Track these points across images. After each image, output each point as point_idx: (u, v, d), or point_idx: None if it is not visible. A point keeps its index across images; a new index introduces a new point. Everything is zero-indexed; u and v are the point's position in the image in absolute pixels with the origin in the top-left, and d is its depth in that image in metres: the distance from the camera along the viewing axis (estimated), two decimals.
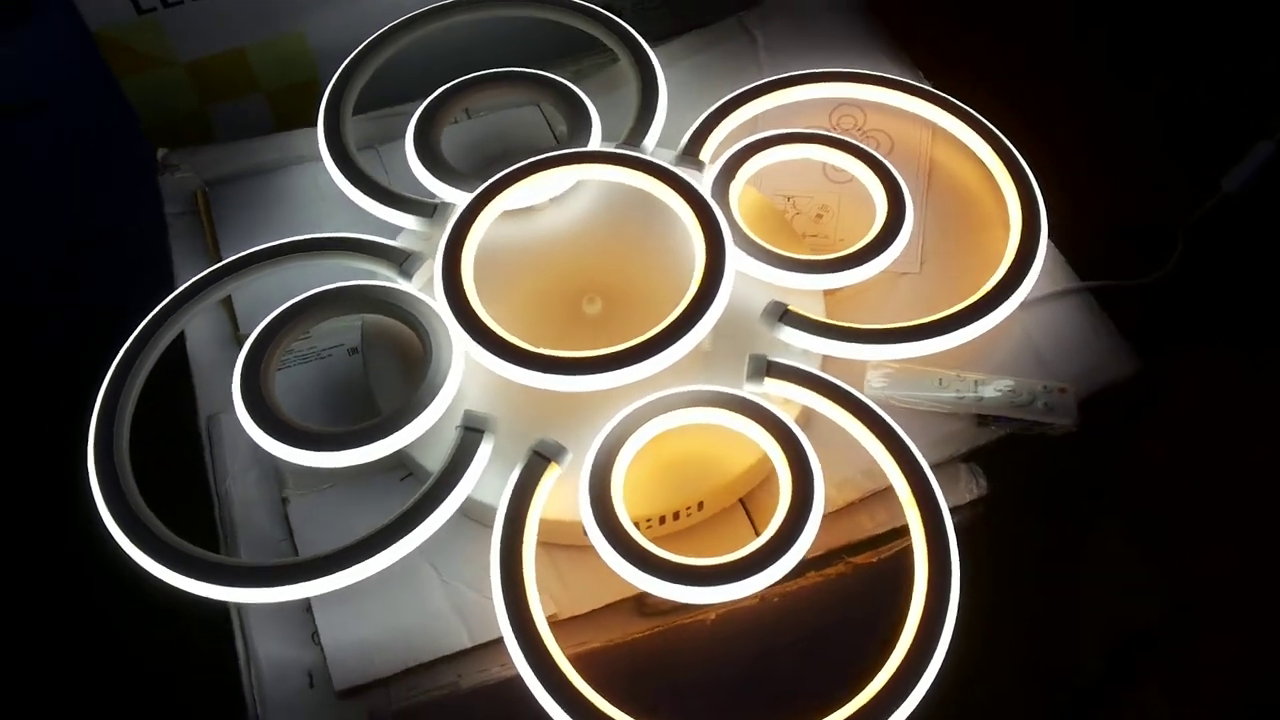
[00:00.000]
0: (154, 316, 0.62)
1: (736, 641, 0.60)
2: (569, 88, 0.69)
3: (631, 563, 0.52)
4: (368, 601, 0.56)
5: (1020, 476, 0.65)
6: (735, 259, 0.60)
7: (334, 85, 0.71)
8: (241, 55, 0.81)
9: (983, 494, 0.60)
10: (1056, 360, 0.63)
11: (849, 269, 0.61)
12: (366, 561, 0.53)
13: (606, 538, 0.52)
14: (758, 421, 0.55)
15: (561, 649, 0.52)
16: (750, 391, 0.58)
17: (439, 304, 0.58)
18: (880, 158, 0.65)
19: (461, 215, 0.61)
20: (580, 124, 0.68)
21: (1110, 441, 0.72)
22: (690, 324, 0.56)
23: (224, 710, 0.57)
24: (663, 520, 0.57)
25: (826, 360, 0.61)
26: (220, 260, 0.64)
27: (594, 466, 0.54)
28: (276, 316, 0.60)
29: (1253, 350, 0.69)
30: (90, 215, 0.93)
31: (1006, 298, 0.61)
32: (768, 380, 0.58)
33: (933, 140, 0.72)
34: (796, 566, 0.57)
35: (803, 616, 0.60)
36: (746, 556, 0.52)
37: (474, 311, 0.57)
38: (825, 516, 0.58)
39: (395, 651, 0.55)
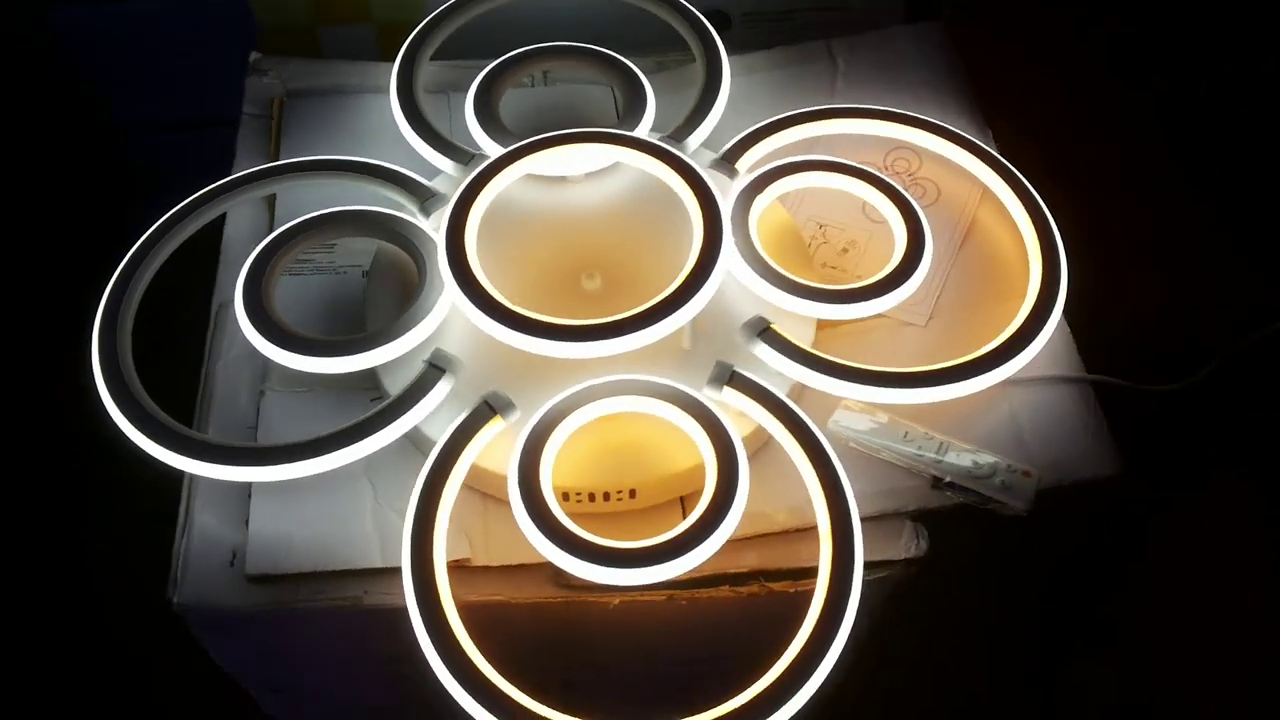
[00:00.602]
0: (194, 200, 0.66)
1: (632, 633, 0.60)
2: (633, 71, 0.71)
3: (538, 526, 0.53)
4: (303, 501, 0.59)
5: (975, 549, 0.63)
6: (729, 261, 0.60)
7: (420, 29, 0.74)
8: None
9: (920, 555, 0.59)
10: (1035, 444, 0.61)
11: (841, 303, 0.61)
12: (306, 461, 0.56)
13: (522, 498, 0.54)
14: (701, 424, 0.56)
15: (464, 593, 0.55)
16: (707, 396, 0.58)
17: (442, 252, 0.60)
18: (913, 204, 0.65)
19: (480, 172, 0.63)
20: (635, 109, 0.69)
21: (1094, 550, 0.69)
22: (665, 313, 0.57)
23: None
24: (592, 498, 0.58)
25: (805, 390, 0.61)
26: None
27: (532, 429, 0.56)
28: (291, 227, 0.63)
29: (1266, 487, 0.66)
30: (196, 103, 0.99)
31: (995, 367, 0.60)
32: (727, 390, 0.58)
33: (980, 200, 0.70)
34: (713, 577, 0.58)
35: (703, 626, 0.60)
36: (647, 546, 0.52)
37: (466, 260, 0.59)
38: (763, 537, 0.59)
39: (312, 552, 0.57)
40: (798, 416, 0.57)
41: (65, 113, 1.04)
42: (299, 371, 0.60)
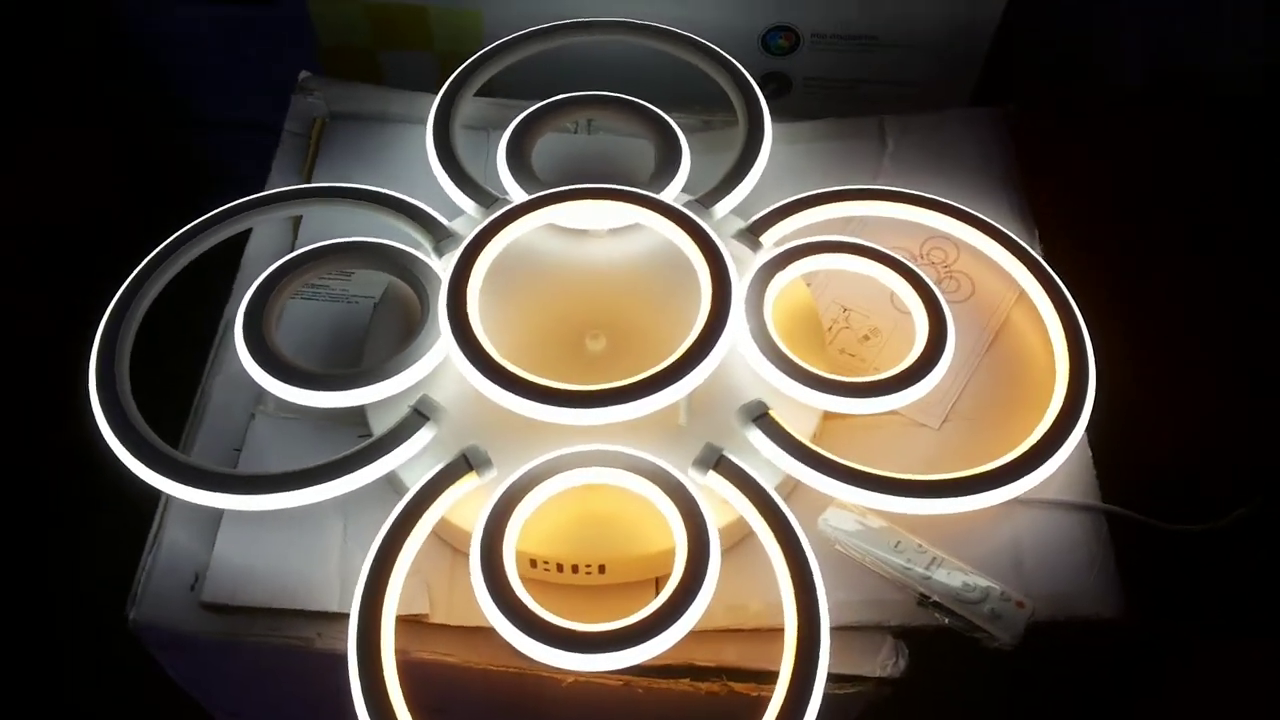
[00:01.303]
0: (216, 214, 0.66)
1: (587, 715, 0.58)
2: (671, 128, 0.69)
3: (491, 595, 0.51)
4: (272, 532, 0.58)
5: (960, 676, 0.60)
6: (735, 338, 0.58)
7: (468, 65, 0.74)
8: (422, 14, 0.86)
9: (897, 674, 0.55)
10: (1034, 573, 0.57)
11: (847, 395, 0.58)
12: (278, 494, 0.55)
13: (482, 563, 0.52)
14: (678, 507, 0.54)
15: (416, 649, 0.54)
16: (691, 478, 0.56)
17: (442, 300, 0.59)
18: (940, 299, 0.61)
19: (492, 220, 0.62)
20: (668, 167, 0.68)
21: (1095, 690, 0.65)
22: (657, 388, 0.55)
23: None
24: (560, 568, 0.56)
25: (798, 484, 0.59)
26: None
27: (504, 491, 0.54)
28: (299, 255, 0.63)
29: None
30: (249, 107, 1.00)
31: (1002, 484, 0.56)
32: (712, 474, 0.56)
33: (1015, 302, 0.67)
34: (675, 667, 0.55)
35: (660, 717, 0.58)
36: (599, 631, 0.50)
37: (465, 308, 0.58)
38: (736, 632, 0.56)
39: (271, 587, 0.57)
40: (779, 512, 0.55)
41: (148, 107, 1.07)
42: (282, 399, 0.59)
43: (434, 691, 0.58)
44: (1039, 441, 0.58)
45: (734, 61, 0.73)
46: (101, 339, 0.60)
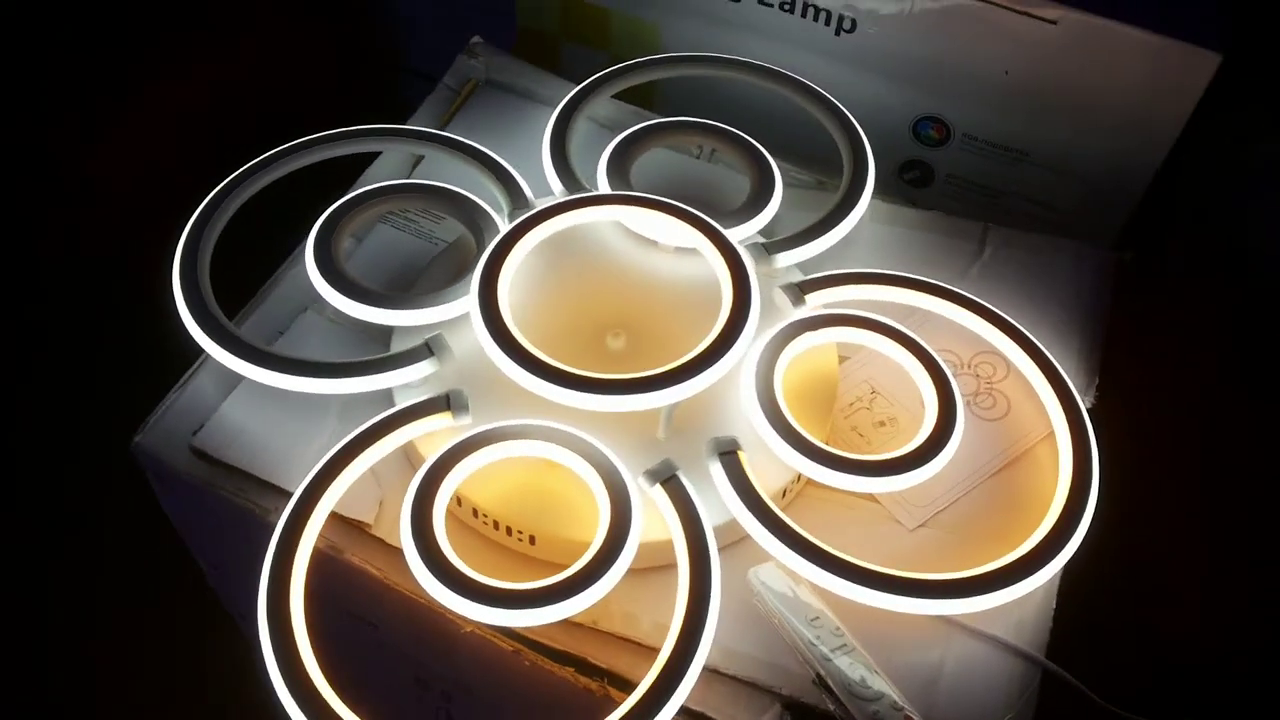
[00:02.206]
0: (343, 131, 0.74)
1: (485, 668, 0.60)
2: (771, 171, 0.71)
3: (413, 525, 0.54)
4: (274, 409, 0.64)
5: None
6: (735, 374, 0.59)
7: (621, 67, 0.78)
8: (606, 16, 0.91)
9: None
10: (942, 698, 0.55)
11: (821, 464, 0.58)
12: (283, 375, 0.61)
13: (415, 496, 0.55)
14: (611, 504, 0.55)
15: (353, 553, 0.58)
16: (639, 484, 0.57)
17: (480, 265, 0.63)
18: (956, 401, 0.60)
19: (558, 203, 0.66)
20: (754, 206, 0.69)
21: None
22: (639, 390, 0.57)
23: None
24: (496, 526, 0.59)
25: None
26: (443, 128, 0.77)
27: (463, 440, 0.58)
28: (390, 185, 0.69)
29: None
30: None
31: (933, 597, 0.54)
32: (658, 488, 0.57)
33: (1044, 439, 0.64)
34: (566, 654, 0.57)
35: (544, 694, 0.59)
36: (489, 586, 0.52)
37: (497, 274, 0.61)
38: (637, 646, 0.57)
39: (251, 453, 0.62)
40: (703, 545, 0.55)
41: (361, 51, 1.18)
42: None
43: (364, 601, 0.62)
44: (1001, 568, 0.56)
45: (854, 122, 0.74)
46: (206, 205, 0.68)
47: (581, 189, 0.70)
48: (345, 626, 0.65)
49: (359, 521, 0.60)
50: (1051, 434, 0.64)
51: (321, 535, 0.57)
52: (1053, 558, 0.56)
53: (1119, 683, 0.55)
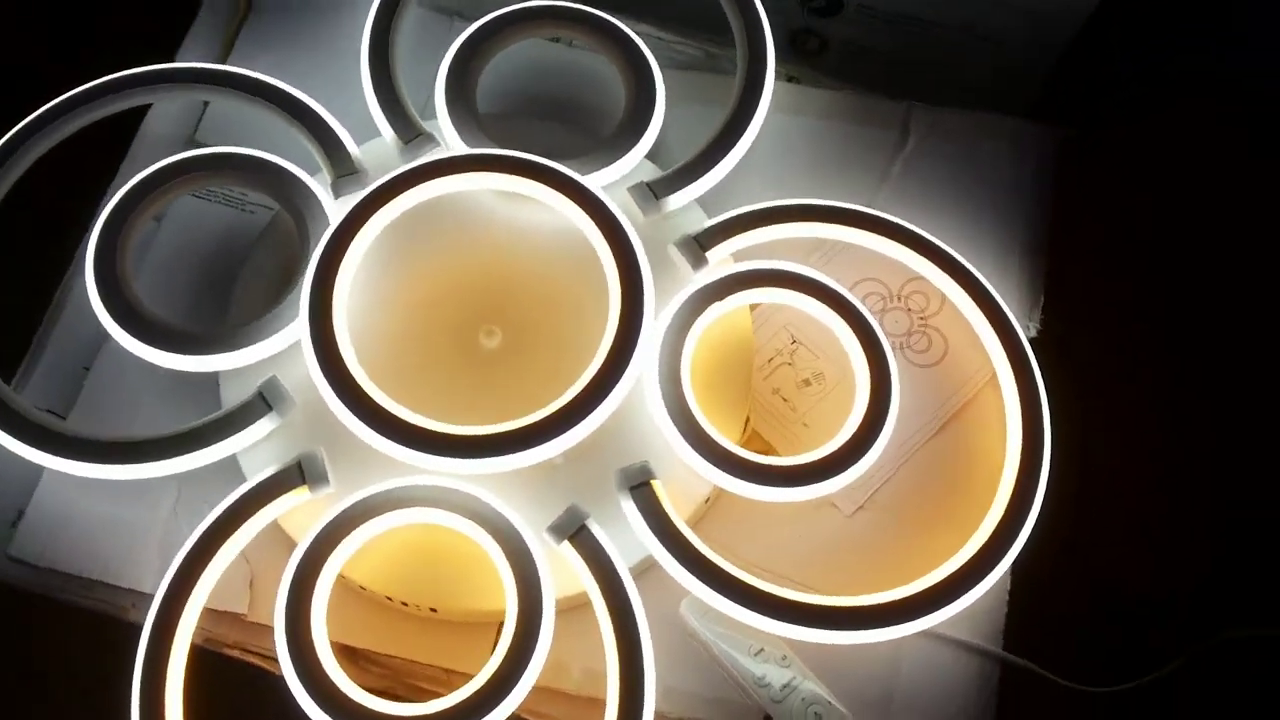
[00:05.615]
0: (111, 81, 0.57)
1: None
2: (648, 69, 0.58)
3: (291, 659, 0.47)
4: (95, 494, 0.53)
5: None
6: (639, 378, 0.50)
7: None
8: None
9: None
10: (901, 714, 0.52)
11: (746, 479, 0.50)
12: (100, 465, 0.50)
13: (286, 611, 0.47)
14: (516, 579, 0.48)
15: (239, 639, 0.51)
16: (545, 540, 0.50)
17: (306, 283, 0.51)
18: (893, 381, 0.52)
19: (385, 184, 0.53)
20: (636, 122, 0.57)
21: None
22: (534, 441, 0.48)
23: None
24: (389, 598, 0.52)
25: None
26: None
27: (331, 521, 0.49)
28: (174, 163, 0.55)
29: None
30: None
31: (888, 624, 0.49)
32: (566, 544, 0.50)
33: (988, 382, 0.57)
34: None
35: None
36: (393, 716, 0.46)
37: (329, 306, 0.50)
38: (556, 692, 0.52)
39: (83, 554, 0.53)
40: (626, 604, 0.48)
41: None
42: None
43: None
44: (952, 576, 0.50)
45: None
46: None
47: (416, 128, 0.56)
48: None
49: (230, 612, 0.52)
50: (994, 377, 0.57)
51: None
52: (1005, 553, 0.51)
53: (1083, 658, 0.52)
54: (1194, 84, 0.69)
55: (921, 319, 0.59)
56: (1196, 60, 0.70)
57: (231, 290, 0.57)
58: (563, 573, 0.50)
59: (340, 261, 0.51)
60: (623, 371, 0.49)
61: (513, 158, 0.54)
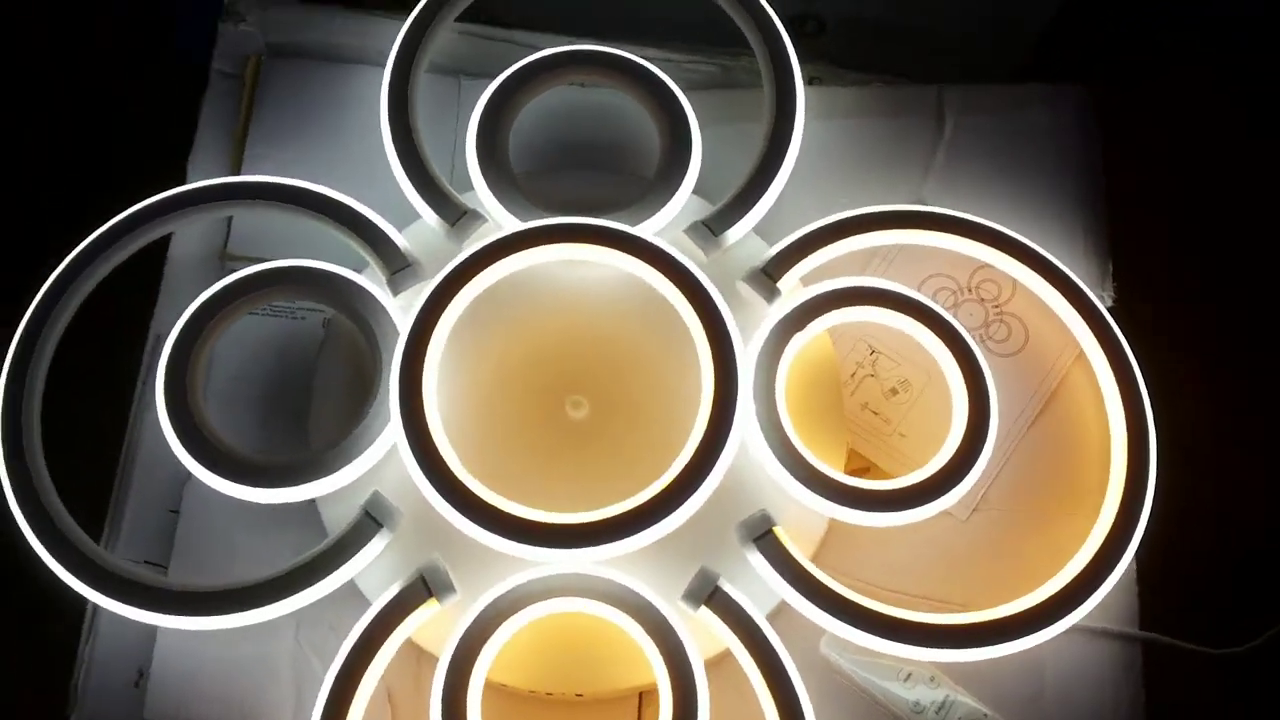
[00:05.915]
0: (133, 215, 0.55)
1: None
2: (679, 107, 0.56)
3: None
4: (216, 640, 0.52)
5: None
6: (742, 440, 0.50)
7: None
8: None
9: None
10: (1053, 708, 0.52)
11: (861, 508, 0.50)
12: (213, 617, 0.49)
13: (443, 714, 0.47)
14: (660, 650, 0.48)
15: None
16: (680, 610, 0.49)
17: (393, 393, 0.50)
18: (987, 381, 0.51)
19: (453, 272, 0.51)
20: (675, 160, 0.55)
21: None
22: (645, 523, 0.47)
23: None
24: (533, 692, 0.51)
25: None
26: (239, 156, 0.60)
27: (466, 631, 0.48)
28: (226, 287, 0.53)
29: None
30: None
31: (1038, 630, 0.49)
32: (704, 609, 0.49)
33: (1073, 362, 0.57)
34: None
35: None
36: None
37: (420, 403, 0.49)
38: None
39: (219, 703, 0.52)
40: (772, 654, 0.48)
41: None
42: None
43: None
44: (1079, 576, 0.50)
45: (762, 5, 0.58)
46: (3, 403, 0.52)
47: (459, 207, 0.55)
48: None
49: None
50: (1079, 355, 0.56)
51: None
52: (1130, 538, 0.51)
53: (1219, 622, 0.52)
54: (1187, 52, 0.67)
55: (996, 307, 0.58)
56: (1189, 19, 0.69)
57: (306, 408, 0.55)
58: (698, 634, 0.49)
59: (422, 365, 0.50)
60: (729, 429, 0.49)
61: (568, 226, 0.52)
